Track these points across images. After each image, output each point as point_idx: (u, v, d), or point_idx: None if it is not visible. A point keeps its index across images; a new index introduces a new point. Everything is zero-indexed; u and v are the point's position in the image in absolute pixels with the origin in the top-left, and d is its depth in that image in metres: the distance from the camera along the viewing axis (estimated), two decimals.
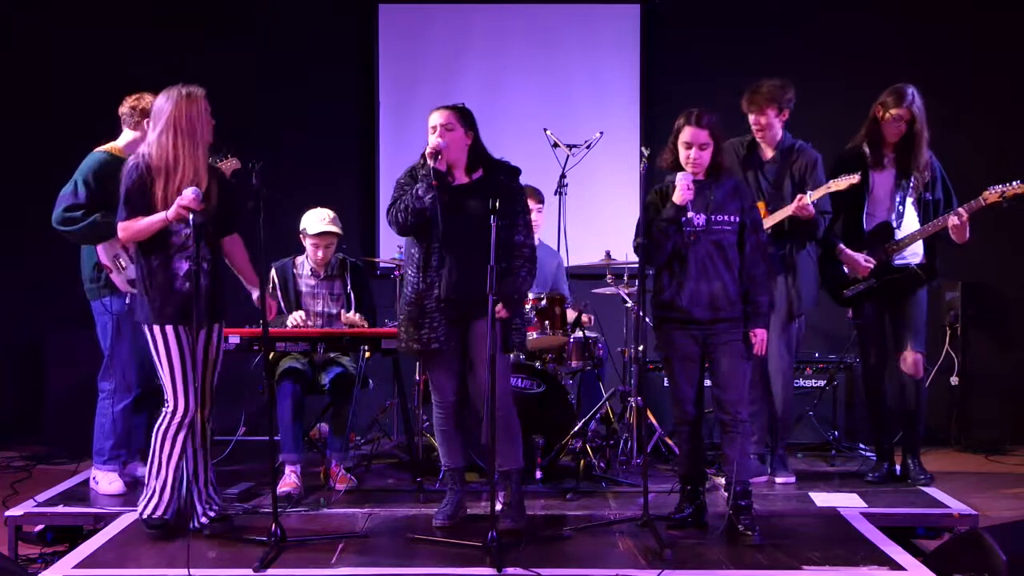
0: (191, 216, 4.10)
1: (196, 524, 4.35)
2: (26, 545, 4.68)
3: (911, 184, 5.18)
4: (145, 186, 4.21)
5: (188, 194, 4.13)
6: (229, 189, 4.45)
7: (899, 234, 5.19)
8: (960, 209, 5.05)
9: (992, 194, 4.98)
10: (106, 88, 5.13)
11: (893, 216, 5.21)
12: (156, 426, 4.32)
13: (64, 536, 4.74)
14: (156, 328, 4.26)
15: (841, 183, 5.05)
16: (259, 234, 4.16)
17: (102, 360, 5.05)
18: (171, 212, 4.15)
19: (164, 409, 4.31)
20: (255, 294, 4.51)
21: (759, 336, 4.39)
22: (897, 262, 5.21)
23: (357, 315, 5.36)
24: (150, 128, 4.32)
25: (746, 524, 4.35)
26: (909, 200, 5.20)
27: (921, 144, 5.13)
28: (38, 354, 6.90)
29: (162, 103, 4.25)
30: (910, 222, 5.21)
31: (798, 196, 5.05)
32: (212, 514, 4.41)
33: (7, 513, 4.67)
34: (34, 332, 6.97)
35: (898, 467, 5.42)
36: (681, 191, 4.33)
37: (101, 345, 5.05)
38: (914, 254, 5.22)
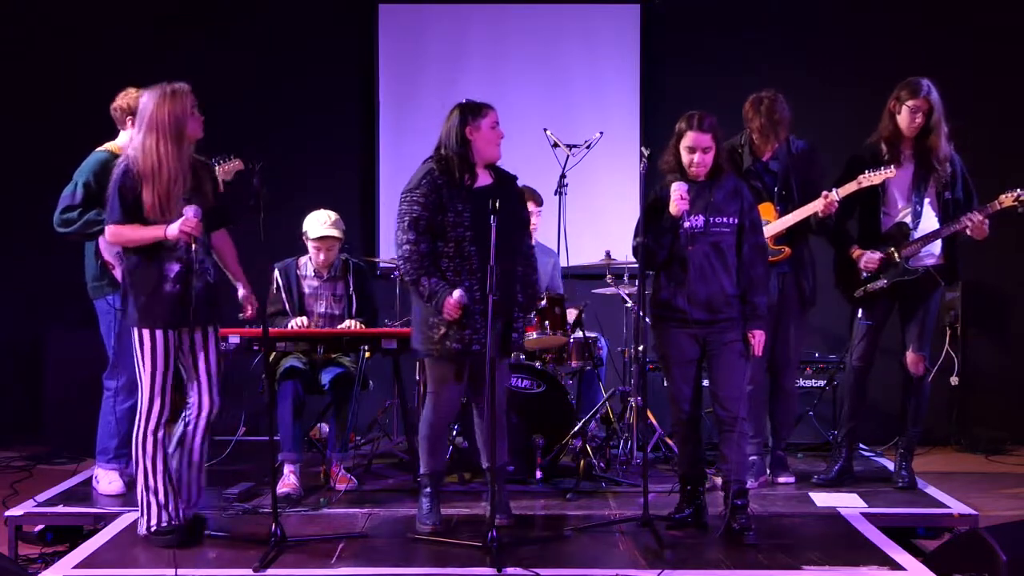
0: (192, 241, 4.06)
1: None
2: (26, 545, 4.68)
3: (930, 182, 5.05)
4: (135, 189, 4.11)
5: (191, 217, 4.05)
6: (217, 185, 4.40)
7: (916, 234, 5.04)
8: (974, 214, 4.92)
9: (1008, 198, 4.88)
10: (107, 88, 5.12)
11: (910, 216, 5.07)
12: (134, 436, 4.25)
13: (64, 536, 4.74)
14: (145, 331, 4.19)
15: (874, 178, 4.93)
16: (259, 234, 4.16)
17: (104, 359, 5.04)
18: (172, 232, 4.07)
19: (137, 417, 4.24)
20: (241, 291, 4.47)
21: (757, 337, 4.38)
22: (912, 263, 5.07)
23: (357, 323, 5.35)
24: (134, 129, 4.21)
25: (742, 523, 4.34)
26: (927, 199, 5.07)
27: (940, 136, 4.96)
28: (38, 354, 6.89)
29: (145, 103, 4.15)
30: (928, 221, 5.08)
31: (824, 193, 4.96)
32: (188, 514, 4.34)
33: (7, 513, 4.68)
34: (34, 332, 6.96)
35: (891, 465, 5.44)
36: (676, 203, 4.31)
37: (106, 344, 5.04)
38: (930, 255, 5.09)
